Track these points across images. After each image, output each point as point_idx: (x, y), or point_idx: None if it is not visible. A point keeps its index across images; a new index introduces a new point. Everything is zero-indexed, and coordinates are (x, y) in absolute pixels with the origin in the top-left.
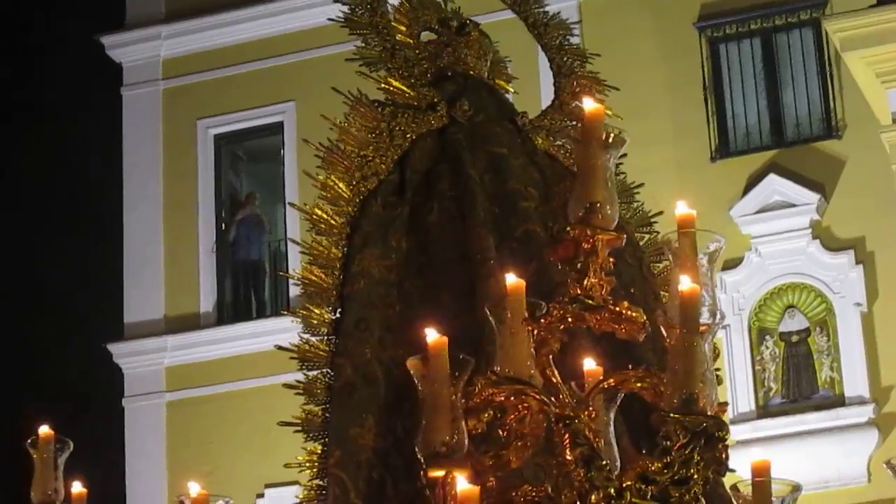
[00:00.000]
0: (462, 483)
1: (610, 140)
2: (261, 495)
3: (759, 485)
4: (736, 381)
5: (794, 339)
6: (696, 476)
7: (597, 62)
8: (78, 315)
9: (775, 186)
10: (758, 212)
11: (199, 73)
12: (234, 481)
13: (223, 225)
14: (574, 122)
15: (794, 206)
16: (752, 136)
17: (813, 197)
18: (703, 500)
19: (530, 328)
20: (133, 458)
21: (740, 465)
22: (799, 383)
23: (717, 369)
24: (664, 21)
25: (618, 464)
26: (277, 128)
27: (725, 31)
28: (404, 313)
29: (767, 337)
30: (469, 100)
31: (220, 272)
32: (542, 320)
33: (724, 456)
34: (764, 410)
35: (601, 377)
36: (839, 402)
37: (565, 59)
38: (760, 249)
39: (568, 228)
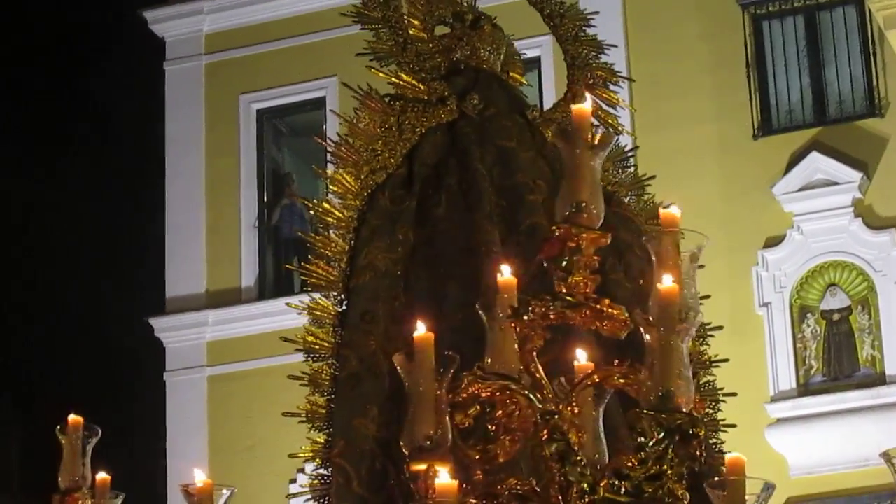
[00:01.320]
0: (442, 477)
1: (596, 141)
2: (301, 469)
3: (733, 483)
4: (777, 358)
5: (836, 317)
6: (669, 472)
7: (640, 40)
8: (120, 289)
9: (818, 164)
10: (800, 189)
11: (241, 48)
12: (276, 455)
13: (265, 200)
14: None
15: (836, 184)
16: (794, 113)
17: (855, 175)
18: (685, 494)
19: (513, 325)
20: (174, 433)
21: (782, 443)
22: (840, 362)
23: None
24: None
25: (606, 458)
26: (320, 102)
27: (769, 9)
28: (410, 305)
29: (809, 315)
30: (480, 93)
31: (261, 247)
32: (525, 317)
33: (698, 452)
34: (805, 388)
35: (588, 372)
36: (880, 380)
37: (580, 50)
38: (802, 227)
39: (554, 227)
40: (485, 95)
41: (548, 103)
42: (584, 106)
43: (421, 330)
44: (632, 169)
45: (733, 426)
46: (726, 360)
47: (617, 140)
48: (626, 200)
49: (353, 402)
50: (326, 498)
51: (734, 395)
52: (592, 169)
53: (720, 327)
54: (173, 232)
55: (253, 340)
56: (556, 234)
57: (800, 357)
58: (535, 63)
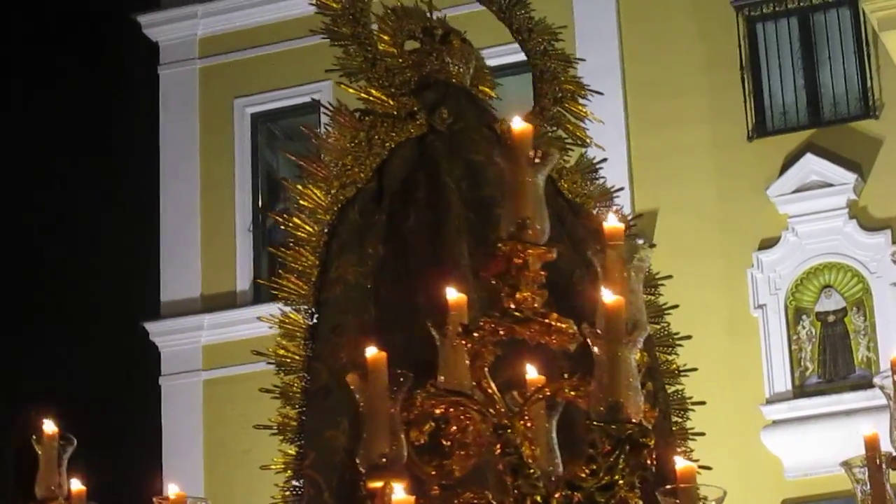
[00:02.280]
0: (399, 493)
1: (537, 159)
2: None
3: (684, 491)
4: (773, 360)
5: (831, 318)
6: (620, 482)
7: (635, 42)
8: (114, 294)
9: (812, 166)
10: (794, 191)
11: (235, 52)
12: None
13: (260, 204)
14: (555, 129)
15: (830, 185)
16: (788, 115)
17: (850, 177)
18: (639, 502)
19: (463, 342)
20: (170, 437)
21: (778, 445)
22: (836, 363)
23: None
24: (701, 0)
25: (560, 469)
26: (314, 106)
27: (762, 10)
28: (380, 318)
29: (804, 317)
30: (448, 108)
31: (256, 251)
32: (475, 334)
33: (649, 462)
34: (800, 390)
35: (539, 386)
36: None
37: (549, 64)
38: (797, 229)
39: (499, 245)
40: (454, 110)
41: None
42: (524, 124)
43: (372, 350)
44: (601, 181)
45: (702, 434)
46: (695, 370)
47: (585, 152)
48: (594, 212)
49: (324, 414)
50: None
51: (703, 403)
52: (535, 186)
53: (688, 336)
54: (168, 236)
55: (249, 344)
56: (502, 251)
57: (795, 359)
58: (526, 67)
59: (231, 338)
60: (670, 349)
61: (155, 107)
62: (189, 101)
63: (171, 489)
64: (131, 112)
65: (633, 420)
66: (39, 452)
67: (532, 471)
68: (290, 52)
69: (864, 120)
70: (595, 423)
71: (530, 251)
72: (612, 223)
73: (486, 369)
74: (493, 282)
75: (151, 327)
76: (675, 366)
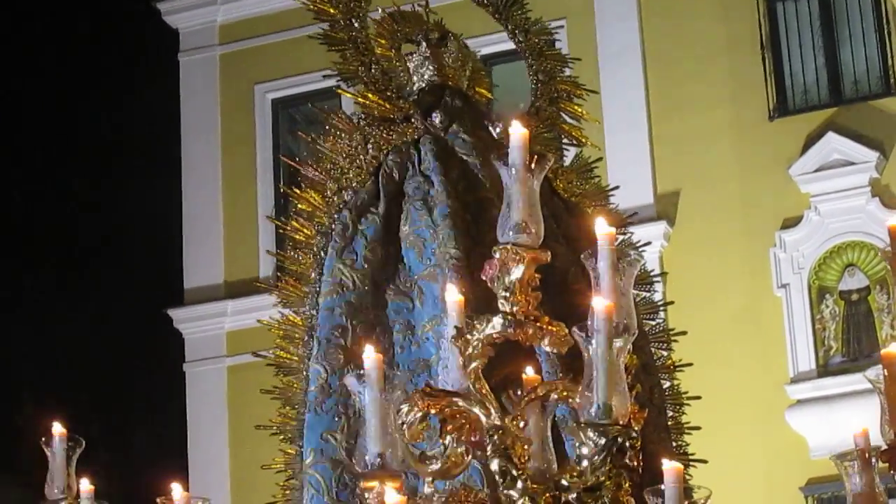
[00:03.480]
0: (391, 494)
1: (533, 164)
2: None
3: (670, 491)
4: (796, 340)
5: (854, 297)
6: (607, 483)
7: (655, 23)
8: (138, 281)
9: (834, 145)
10: (816, 170)
11: (255, 38)
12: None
13: (281, 189)
14: (550, 130)
15: (852, 164)
16: (810, 94)
17: (872, 155)
18: (630, 500)
19: (458, 345)
20: (194, 423)
21: (802, 425)
22: (859, 342)
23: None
24: None
25: (554, 466)
26: (334, 92)
27: None
28: (379, 318)
29: (827, 296)
30: (444, 110)
31: (278, 236)
32: (469, 336)
33: (635, 463)
34: (824, 369)
35: (535, 386)
36: None
37: (544, 64)
38: (819, 208)
39: (495, 248)
40: (450, 112)
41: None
42: (521, 129)
43: (371, 351)
44: (596, 179)
45: (697, 428)
46: (689, 365)
47: (581, 151)
48: (589, 211)
49: (324, 415)
50: None
51: (698, 398)
52: (531, 190)
53: (684, 332)
54: (190, 223)
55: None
56: (498, 254)
57: (819, 338)
58: (556, 32)
59: (254, 324)
60: (666, 345)
61: (175, 94)
62: (209, 87)
63: (175, 491)
64: (151, 99)
65: (621, 422)
66: (48, 453)
67: (521, 473)
68: (310, 37)
69: (886, 98)
70: (583, 424)
71: (525, 254)
72: (604, 229)
73: (479, 370)
74: (489, 284)
75: (175, 314)
76: (670, 361)
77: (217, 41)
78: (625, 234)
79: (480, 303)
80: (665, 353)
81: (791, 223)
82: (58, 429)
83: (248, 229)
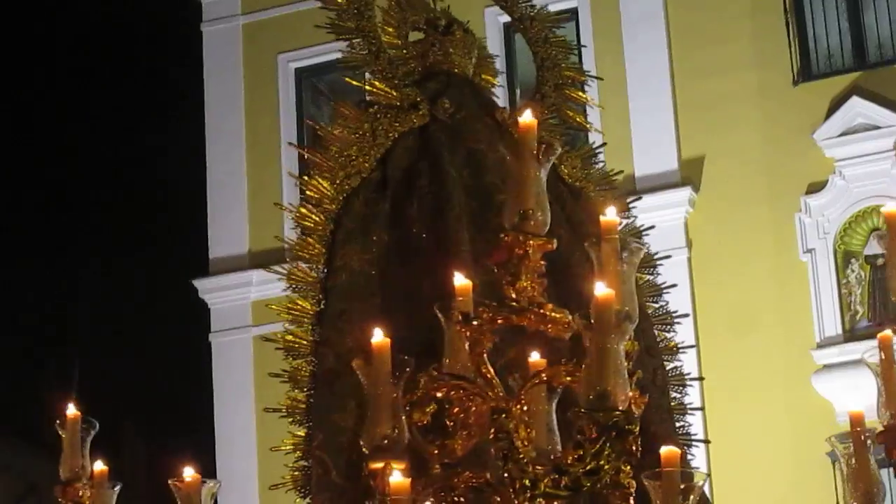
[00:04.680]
0: (396, 476)
1: (541, 154)
2: None
3: (667, 475)
4: (822, 305)
5: (880, 261)
6: (606, 467)
7: None
8: (163, 252)
9: (858, 109)
10: (841, 135)
11: (278, 8)
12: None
13: (305, 158)
14: (553, 115)
15: (877, 128)
16: (834, 58)
17: None
18: (632, 483)
19: (463, 330)
20: (221, 393)
21: (828, 389)
22: (885, 306)
23: None
24: None
25: (559, 449)
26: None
27: None
28: (386, 303)
29: (853, 260)
30: (451, 98)
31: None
32: (474, 322)
33: (633, 447)
34: (850, 334)
35: (539, 370)
36: None
37: (550, 51)
38: (844, 172)
39: (502, 234)
40: (456, 99)
41: (587, 56)
42: (529, 119)
43: (379, 336)
44: (600, 165)
45: (700, 409)
46: (693, 346)
47: (584, 137)
48: (593, 196)
49: (332, 397)
50: (307, 488)
51: (702, 378)
52: (538, 179)
53: (686, 315)
54: (215, 193)
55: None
56: (504, 241)
57: (845, 303)
58: (571, 14)
59: (280, 294)
60: (668, 327)
61: (199, 64)
62: (233, 57)
63: (187, 472)
64: (174, 70)
65: (620, 408)
66: (62, 436)
67: (522, 456)
68: (322, 7)
69: None
70: (583, 410)
71: (531, 241)
72: (608, 217)
73: (484, 355)
74: (495, 270)
75: (200, 284)
76: (672, 343)
77: (240, 11)
78: (628, 218)
79: (486, 288)
80: (668, 335)
81: (816, 188)
82: (71, 411)
83: (272, 198)
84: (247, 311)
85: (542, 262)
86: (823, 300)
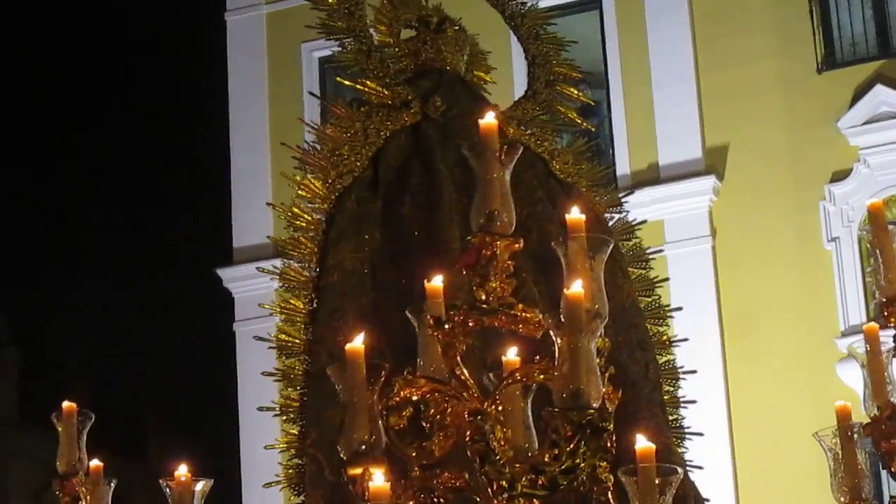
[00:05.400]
0: (377, 479)
1: (503, 155)
2: None
3: (643, 470)
4: (847, 293)
5: None
6: (582, 465)
7: None
8: (187, 241)
9: (882, 97)
10: (865, 123)
11: None
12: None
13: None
14: (546, 112)
15: None
16: (858, 46)
17: None
18: (609, 477)
19: (435, 333)
20: (245, 382)
21: (853, 378)
22: None
23: None
24: None
25: (536, 446)
26: None
27: None
28: (378, 301)
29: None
30: (443, 95)
31: None
32: (446, 325)
33: (608, 444)
34: (875, 321)
35: (514, 369)
36: None
37: (541, 48)
38: (868, 160)
39: (469, 237)
40: (448, 97)
41: (611, 45)
42: (491, 120)
43: (354, 342)
44: (592, 160)
45: (693, 402)
46: (685, 340)
47: (578, 134)
48: (584, 192)
49: (325, 395)
50: (301, 486)
51: (694, 372)
52: (502, 179)
53: (679, 308)
54: (238, 182)
55: None
56: (472, 243)
57: (869, 291)
58: (595, 4)
59: None
60: (661, 321)
61: (223, 54)
62: (256, 46)
63: (181, 469)
64: (199, 59)
65: (594, 406)
66: (59, 429)
67: (499, 457)
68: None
69: None
70: (557, 409)
71: (499, 242)
72: (573, 215)
73: (458, 357)
74: (465, 272)
75: (224, 273)
76: (665, 337)
77: (264, 0)
78: (620, 213)
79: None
80: (661, 329)
81: (840, 176)
82: (67, 403)
83: (287, 181)
84: (270, 300)
85: (510, 263)
86: (848, 288)
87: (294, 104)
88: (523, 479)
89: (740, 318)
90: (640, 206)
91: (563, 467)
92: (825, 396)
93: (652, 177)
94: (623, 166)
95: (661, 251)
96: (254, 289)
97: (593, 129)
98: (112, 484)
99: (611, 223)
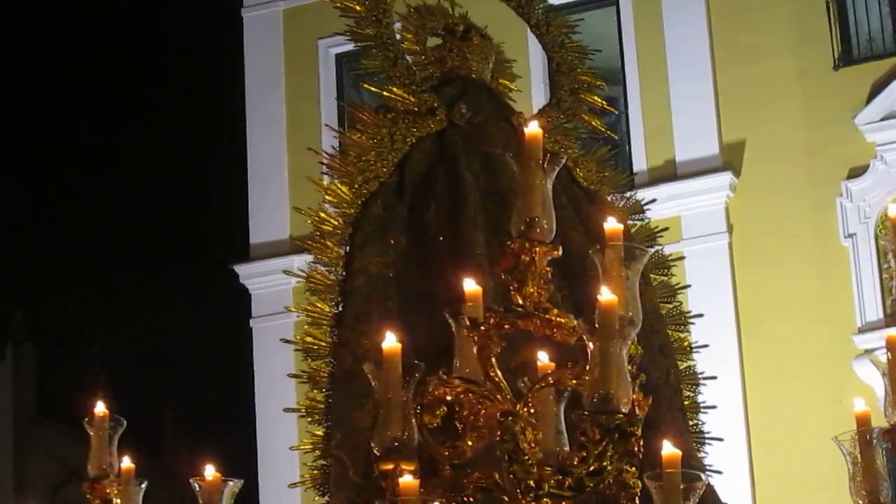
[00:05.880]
0: (406, 477)
1: (546, 163)
2: None
3: (668, 476)
4: (863, 289)
5: None
6: (609, 468)
7: None
8: (204, 238)
9: None
10: (882, 119)
11: None
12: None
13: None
14: (569, 120)
15: None
16: (875, 42)
17: None
18: (637, 482)
19: (471, 335)
20: (262, 379)
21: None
22: None
23: None
24: None
25: (567, 450)
26: None
27: None
28: (403, 305)
29: None
30: (468, 103)
31: None
32: (482, 327)
33: (636, 449)
34: (892, 319)
35: (547, 373)
36: None
37: (566, 56)
38: (885, 157)
39: (509, 242)
40: (472, 104)
41: (628, 41)
42: (535, 129)
43: (390, 341)
44: (615, 167)
45: (713, 407)
46: (706, 346)
47: (601, 141)
48: (608, 199)
49: (350, 397)
50: (326, 486)
51: (714, 377)
52: (544, 187)
53: (700, 315)
54: (255, 179)
55: None
56: (511, 248)
57: (886, 287)
58: (612, 0)
59: None
60: (682, 327)
61: (239, 50)
62: (273, 43)
63: (208, 470)
64: (215, 55)
65: (623, 410)
66: (91, 434)
67: (527, 457)
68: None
69: None
70: (586, 412)
71: (537, 248)
72: (611, 225)
73: (492, 358)
74: (503, 277)
75: (241, 270)
76: (686, 343)
77: None
78: (642, 220)
79: (500, 290)
80: (682, 335)
81: (857, 172)
82: (99, 408)
83: (313, 185)
84: (287, 296)
85: (549, 269)
86: (864, 285)
87: (310, 100)
88: (550, 480)
89: (757, 314)
90: (656, 202)
91: (590, 469)
92: (842, 393)
93: (669, 173)
94: (640, 163)
95: (677, 247)
96: (270, 285)
97: (616, 137)
98: (143, 485)
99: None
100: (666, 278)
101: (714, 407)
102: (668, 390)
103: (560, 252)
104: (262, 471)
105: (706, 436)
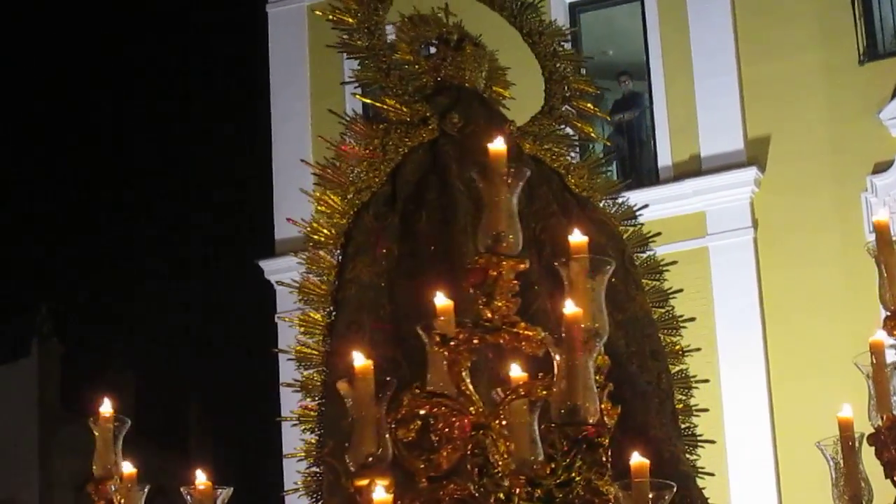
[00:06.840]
0: (379, 493)
1: (510, 178)
2: None
3: (637, 485)
4: None
5: None
6: (577, 478)
7: None
8: (229, 233)
9: None
10: None
11: None
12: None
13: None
14: (563, 127)
15: None
16: None
17: None
18: (610, 490)
19: (441, 350)
20: (287, 374)
21: None
22: None
23: None
24: None
25: (540, 460)
26: None
27: None
28: (395, 313)
29: None
30: (460, 112)
31: None
32: (451, 343)
33: (604, 459)
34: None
35: (517, 385)
36: None
37: (558, 65)
38: None
39: (476, 258)
40: (465, 113)
41: (653, 36)
42: (499, 146)
43: (360, 360)
44: (607, 175)
45: (705, 410)
46: (698, 350)
47: (592, 147)
48: (600, 205)
49: (342, 405)
50: (319, 493)
51: (706, 381)
52: (509, 202)
53: (692, 319)
54: (280, 174)
55: None
56: (479, 263)
57: None
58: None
59: None
60: (674, 331)
61: (264, 46)
62: (298, 38)
63: (200, 478)
64: (240, 51)
65: (590, 421)
66: (95, 433)
67: (497, 470)
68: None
69: None
70: (554, 424)
71: (504, 262)
72: (576, 238)
73: (463, 373)
74: (471, 291)
75: (266, 265)
76: (678, 347)
77: None
78: (634, 225)
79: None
80: (674, 339)
81: (882, 167)
82: (105, 408)
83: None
84: None
85: (515, 283)
86: None
87: (336, 96)
88: (520, 491)
89: (781, 309)
90: (681, 197)
91: (558, 481)
92: (866, 390)
93: (694, 168)
94: (665, 157)
95: (702, 243)
96: (296, 281)
97: (609, 144)
98: (145, 489)
99: (626, 235)
100: (658, 283)
101: (706, 410)
102: (658, 395)
103: (527, 265)
104: (288, 468)
105: (699, 438)
